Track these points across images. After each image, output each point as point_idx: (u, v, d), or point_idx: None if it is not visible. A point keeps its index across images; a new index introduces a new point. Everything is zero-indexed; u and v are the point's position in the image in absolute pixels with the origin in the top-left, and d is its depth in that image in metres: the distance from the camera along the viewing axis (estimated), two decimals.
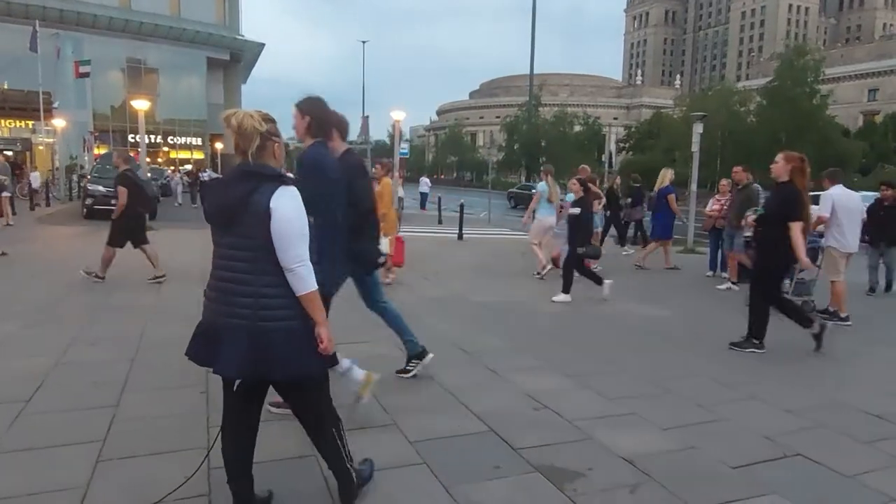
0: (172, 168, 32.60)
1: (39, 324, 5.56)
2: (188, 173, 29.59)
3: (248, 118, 2.26)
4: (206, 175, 30.15)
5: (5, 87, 30.99)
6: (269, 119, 2.34)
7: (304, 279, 2.27)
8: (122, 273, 7.75)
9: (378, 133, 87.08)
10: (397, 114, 17.51)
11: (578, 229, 7.43)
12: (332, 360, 2.46)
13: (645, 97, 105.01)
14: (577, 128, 57.74)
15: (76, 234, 13.13)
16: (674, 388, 4.35)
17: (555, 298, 7.39)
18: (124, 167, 7.85)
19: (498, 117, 77.15)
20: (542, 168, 10.01)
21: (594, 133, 57.63)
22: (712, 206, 9.77)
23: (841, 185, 6.75)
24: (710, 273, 9.87)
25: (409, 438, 3.36)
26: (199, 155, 47.25)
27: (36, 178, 21.79)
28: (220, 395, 2.46)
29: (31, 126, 29.03)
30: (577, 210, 7.53)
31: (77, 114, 35.98)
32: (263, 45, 50.97)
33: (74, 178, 25.39)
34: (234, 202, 2.23)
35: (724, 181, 9.99)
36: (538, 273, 9.07)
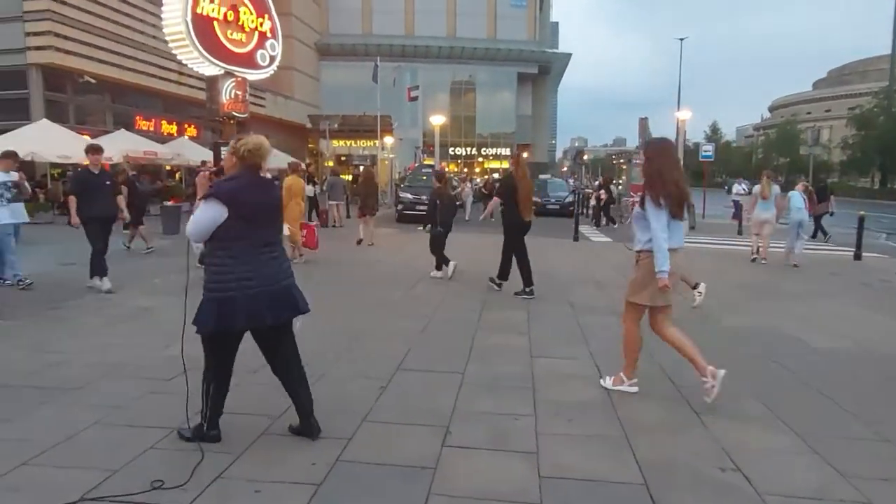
0: (462, 178, 35.36)
1: None
2: (485, 185, 30.84)
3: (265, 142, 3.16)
4: None
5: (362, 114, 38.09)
6: None
7: None
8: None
9: (694, 135, 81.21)
10: (683, 114, 16.02)
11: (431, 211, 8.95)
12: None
13: None
14: None
15: (387, 234, 15.36)
16: None
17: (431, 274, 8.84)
18: (131, 172, 11.50)
19: (851, 109, 64.18)
20: (763, 172, 11.17)
21: None
22: None
23: None
24: None
25: (541, 472, 3.01)
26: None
27: None
28: None
29: (376, 144, 35.21)
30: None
31: (410, 131, 42.22)
32: (570, 55, 52.24)
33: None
34: (279, 202, 3.29)
35: None
36: (753, 259, 10.99)
